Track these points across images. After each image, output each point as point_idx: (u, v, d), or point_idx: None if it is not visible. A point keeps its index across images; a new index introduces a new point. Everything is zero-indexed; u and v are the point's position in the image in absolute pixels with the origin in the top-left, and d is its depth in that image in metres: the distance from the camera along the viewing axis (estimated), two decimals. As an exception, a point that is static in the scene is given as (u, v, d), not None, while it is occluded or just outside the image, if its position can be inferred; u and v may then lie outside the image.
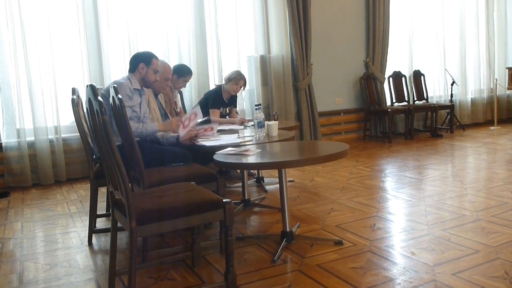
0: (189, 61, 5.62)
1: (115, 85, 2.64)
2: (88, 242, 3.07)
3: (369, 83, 7.18)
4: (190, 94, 5.73)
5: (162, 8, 5.59)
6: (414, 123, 7.35)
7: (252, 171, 4.65)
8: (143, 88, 3.36)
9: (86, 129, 3.14)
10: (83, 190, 4.74)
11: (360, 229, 3.00)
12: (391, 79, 7.37)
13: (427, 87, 7.64)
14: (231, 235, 2.17)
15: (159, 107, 3.72)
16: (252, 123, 3.99)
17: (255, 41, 6.29)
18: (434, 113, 7.25)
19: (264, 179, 4.54)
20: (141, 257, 2.63)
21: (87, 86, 2.04)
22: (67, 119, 5.22)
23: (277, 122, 3.68)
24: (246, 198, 3.70)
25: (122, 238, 3.08)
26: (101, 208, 3.75)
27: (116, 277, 2.34)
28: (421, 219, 3.14)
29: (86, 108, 2.14)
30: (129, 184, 2.13)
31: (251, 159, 2.66)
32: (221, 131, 4.07)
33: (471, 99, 8.25)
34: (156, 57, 3.37)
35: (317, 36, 6.72)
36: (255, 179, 4.55)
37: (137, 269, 2.41)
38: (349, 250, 2.64)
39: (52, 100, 5.16)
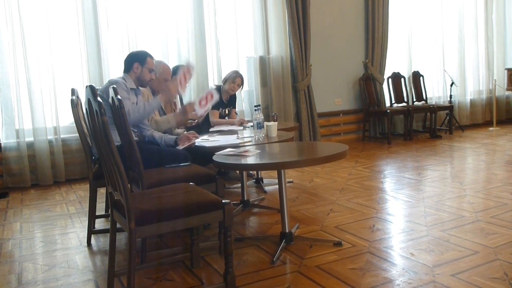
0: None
1: (114, 86, 2.64)
2: (87, 242, 3.07)
3: (368, 84, 7.19)
4: (190, 95, 5.73)
5: (162, 9, 5.59)
6: (413, 124, 7.35)
7: (251, 172, 4.65)
8: (139, 88, 3.36)
9: (85, 129, 3.14)
10: (82, 191, 4.74)
11: (359, 230, 3.00)
12: (390, 80, 7.38)
13: (426, 88, 7.64)
14: (230, 236, 2.17)
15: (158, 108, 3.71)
16: (251, 124, 3.99)
17: (254, 42, 6.30)
18: (433, 114, 7.25)
19: (264, 180, 4.53)
20: (140, 258, 2.62)
21: (86, 86, 2.04)
22: (66, 119, 5.22)
23: (276, 123, 3.68)
24: (245, 199, 3.70)
25: (121, 239, 3.08)
26: (100, 209, 3.74)
27: (115, 278, 2.34)
28: (420, 220, 3.14)
29: (86, 108, 2.14)
30: (128, 185, 2.13)
31: (250, 160, 2.66)
32: (221, 132, 4.08)
33: (470, 100, 8.26)
34: (150, 56, 3.36)
35: (316, 37, 6.72)
36: (254, 180, 4.55)
37: (136, 270, 2.41)
38: (348, 251, 2.64)
39: (51, 100, 5.16)
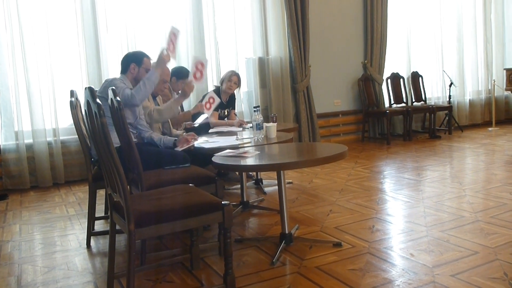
0: (188, 63, 5.61)
1: (113, 88, 2.63)
2: (87, 244, 3.07)
3: (367, 84, 7.19)
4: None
5: (160, 10, 5.59)
6: (413, 125, 7.36)
7: (250, 173, 4.65)
8: None
9: (84, 131, 3.14)
10: (81, 193, 4.73)
11: (359, 230, 3.00)
12: (389, 80, 7.39)
13: (425, 89, 7.65)
14: (229, 237, 2.17)
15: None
16: (251, 125, 3.99)
17: (253, 43, 6.30)
18: (432, 115, 7.26)
19: (263, 181, 4.53)
20: (140, 260, 2.62)
21: (85, 88, 2.04)
22: (66, 121, 5.21)
23: (275, 124, 3.68)
24: (245, 200, 3.70)
25: (121, 240, 3.07)
26: (100, 210, 3.73)
27: (115, 279, 2.34)
28: (420, 220, 3.14)
29: (85, 110, 2.13)
30: (128, 187, 2.12)
31: (250, 161, 2.66)
32: (220, 133, 4.08)
33: (469, 100, 8.27)
34: (147, 56, 3.35)
35: (315, 38, 6.73)
36: (253, 181, 4.55)
37: (136, 271, 2.41)
38: (348, 252, 2.64)
39: (50, 102, 5.16)
